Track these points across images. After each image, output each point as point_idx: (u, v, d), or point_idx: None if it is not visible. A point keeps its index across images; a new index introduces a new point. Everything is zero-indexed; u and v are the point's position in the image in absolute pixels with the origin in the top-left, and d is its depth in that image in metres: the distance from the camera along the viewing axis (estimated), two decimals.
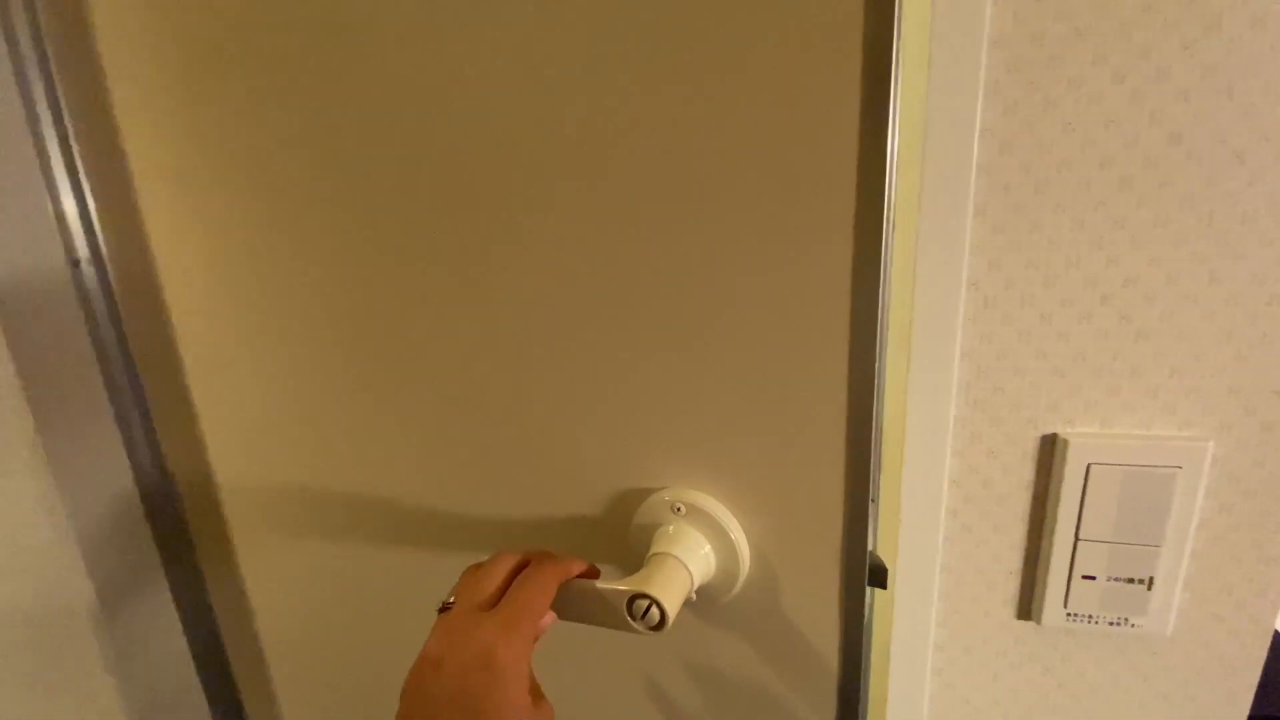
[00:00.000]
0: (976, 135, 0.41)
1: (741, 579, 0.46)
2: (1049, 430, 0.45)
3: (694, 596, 0.44)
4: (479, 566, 0.38)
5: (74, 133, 0.57)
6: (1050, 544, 0.46)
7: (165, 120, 0.52)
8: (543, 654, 0.37)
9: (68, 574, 0.63)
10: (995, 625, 0.49)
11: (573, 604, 0.40)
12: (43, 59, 0.54)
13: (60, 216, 0.59)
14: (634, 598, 0.38)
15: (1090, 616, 0.46)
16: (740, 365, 0.43)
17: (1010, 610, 0.49)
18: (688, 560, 0.42)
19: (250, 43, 0.45)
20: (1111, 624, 0.45)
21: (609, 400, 0.46)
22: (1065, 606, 0.46)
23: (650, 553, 0.43)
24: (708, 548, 0.44)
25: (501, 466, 0.50)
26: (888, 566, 0.53)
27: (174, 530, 0.66)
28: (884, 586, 0.45)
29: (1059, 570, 0.46)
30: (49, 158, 0.57)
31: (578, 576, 0.40)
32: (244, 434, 0.59)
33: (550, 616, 0.38)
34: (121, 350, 0.62)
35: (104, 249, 0.60)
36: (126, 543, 0.64)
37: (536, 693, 0.35)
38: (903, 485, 0.49)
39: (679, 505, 0.45)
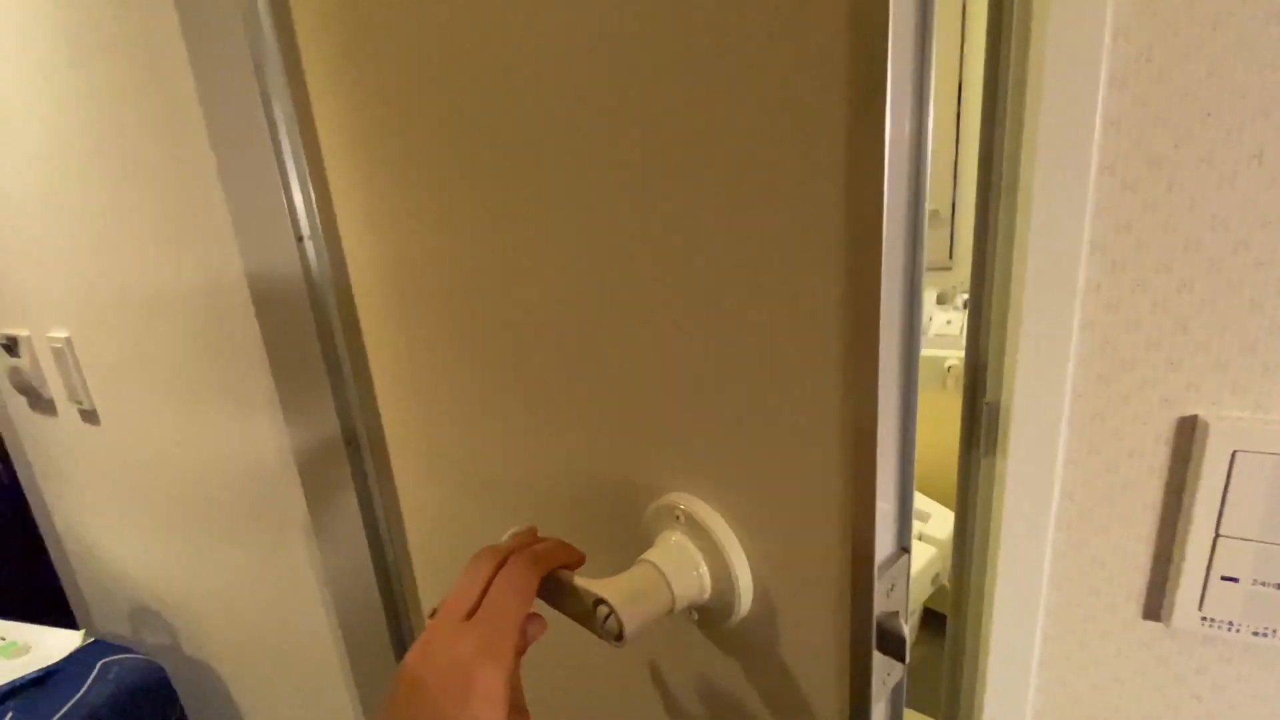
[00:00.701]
0: (1103, 85, 0.38)
1: (740, 611, 0.39)
2: (1188, 411, 0.41)
3: (695, 615, 0.40)
4: (464, 570, 0.35)
5: (302, 147, 0.73)
6: (1185, 539, 0.41)
7: (348, 140, 0.64)
8: (534, 658, 0.36)
9: (288, 486, 0.80)
10: (1116, 622, 0.45)
11: (552, 593, 0.37)
12: (283, 100, 0.70)
13: (291, 204, 0.75)
14: (597, 602, 0.34)
15: (1230, 624, 0.40)
16: (738, 376, 0.38)
17: (1135, 608, 0.45)
18: (673, 576, 0.37)
19: (402, 89, 0.54)
20: (1256, 634, 0.40)
21: (630, 394, 0.44)
22: (1200, 610, 0.41)
23: (640, 557, 0.38)
24: (703, 568, 0.39)
25: (557, 446, 0.52)
26: (988, 549, 0.51)
27: (359, 460, 0.81)
28: (901, 659, 0.37)
29: (1194, 569, 0.41)
30: (285, 163, 0.74)
31: (563, 566, 0.37)
32: (397, 394, 0.72)
33: (541, 626, 0.35)
34: (332, 313, 0.77)
35: (320, 228, 0.76)
36: (328, 467, 0.80)
37: (518, 711, 0.33)
38: (1009, 461, 0.46)
39: (679, 513, 0.40)
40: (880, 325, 0.29)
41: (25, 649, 0.96)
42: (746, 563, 0.39)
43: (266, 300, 0.77)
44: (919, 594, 1.17)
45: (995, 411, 0.50)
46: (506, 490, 0.61)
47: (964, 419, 0.54)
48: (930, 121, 0.27)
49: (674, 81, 0.35)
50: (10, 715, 0.85)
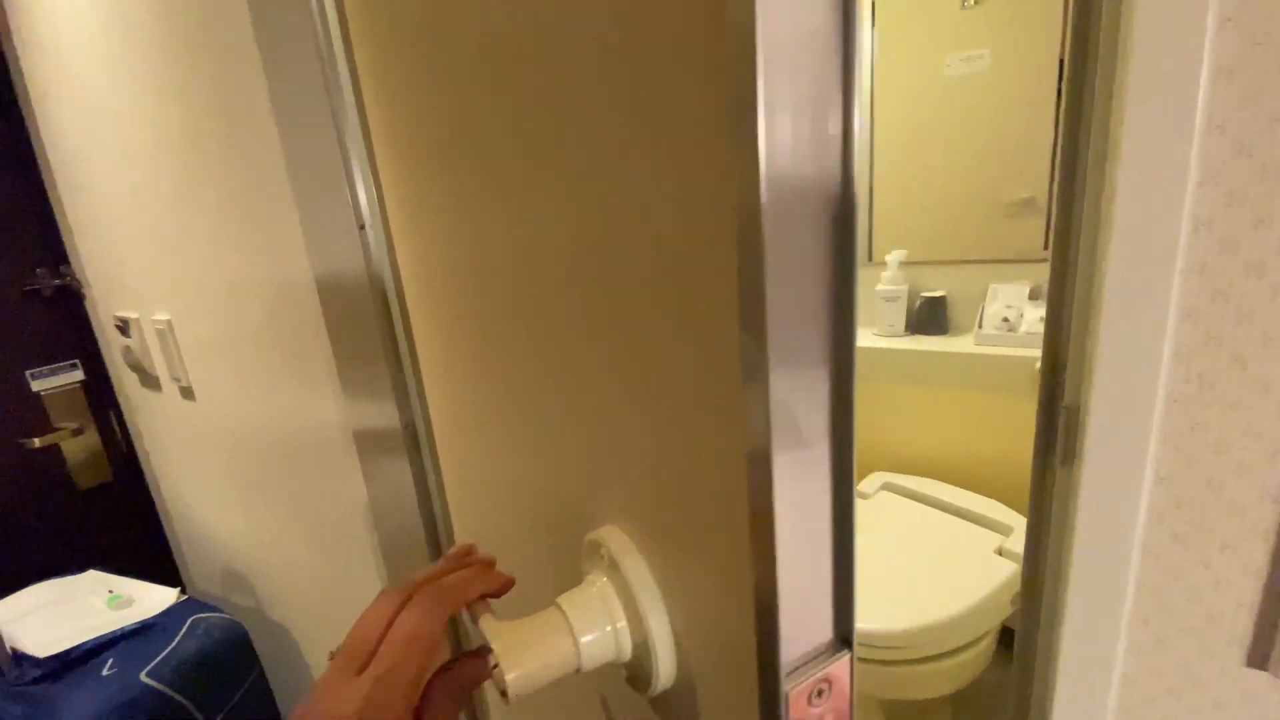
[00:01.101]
0: (1211, 19, 0.32)
1: (658, 684, 0.32)
2: None
3: (624, 672, 0.34)
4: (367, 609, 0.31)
5: (363, 146, 0.76)
6: None
7: (392, 143, 0.66)
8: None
9: (349, 464, 0.84)
10: (1214, 669, 0.38)
11: (473, 623, 0.32)
12: (348, 108, 0.73)
13: (354, 197, 0.78)
14: (488, 647, 0.30)
15: None
16: (640, 381, 0.31)
17: (1238, 653, 0.37)
18: (583, 630, 0.31)
19: (424, 88, 0.54)
20: None
21: (570, 400, 0.39)
22: None
23: (557, 599, 0.32)
24: (622, 624, 0.32)
25: (532, 451, 0.47)
26: (1062, 573, 0.44)
27: (414, 443, 0.84)
28: None
29: None
30: (349, 159, 0.77)
31: (485, 595, 0.32)
32: (438, 380, 0.73)
33: (486, 671, 0.31)
34: (391, 299, 0.80)
35: (380, 218, 0.78)
36: (386, 448, 0.83)
37: None
38: (1085, 474, 0.40)
39: (604, 552, 0.33)
40: (769, 345, 0.21)
41: (129, 602, 1.05)
42: (668, 627, 0.31)
43: (330, 287, 0.81)
44: (999, 613, 1.07)
45: (1075, 416, 0.44)
46: (509, 490, 0.61)
47: (1039, 423, 0.48)
48: (856, 116, 0.20)
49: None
50: (111, 661, 0.93)
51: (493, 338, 0.51)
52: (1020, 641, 0.50)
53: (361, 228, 0.83)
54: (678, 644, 0.31)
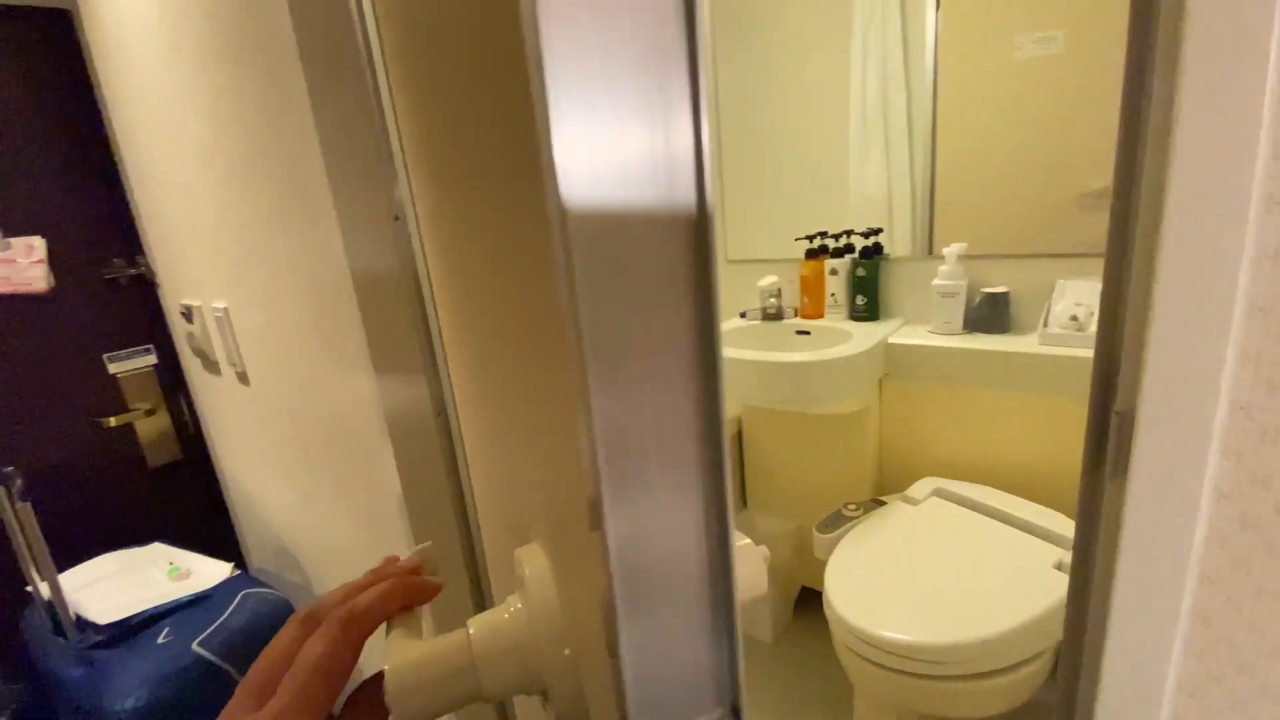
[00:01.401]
0: None
1: None
2: None
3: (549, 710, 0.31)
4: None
5: (396, 139, 0.77)
6: None
7: (414, 147, 0.66)
8: None
9: (384, 442, 0.86)
10: (1276, 711, 0.34)
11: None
12: (385, 106, 0.74)
13: (390, 188, 0.79)
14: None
15: None
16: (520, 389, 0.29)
17: None
18: (485, 658, 0.27)
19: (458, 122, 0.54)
20: None
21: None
22: None
23: (470, 619, 0.29)
24: (534, 653, 0.29)
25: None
26: (1110, 597, 0.40)
27: (446, 433, 0.85)
28: None
29: None
30: (393, 163, 0.78)
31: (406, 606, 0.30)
32: (457, 376, 0.74)
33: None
34: (423, 289, 0.81)
35: (412, 210, 0.79)
36: (418, 438, 0.84)
37: None
38: (1135, 488, 0.36)
39: (521, 573, 0.31)
40: (589, 373, 0.18)
41: (186, 574, 1.11)
42: (571, 664, 0.28)
43: (366, 278, 0.83)
44: (1056, 632, 1.00)
45: (1128, 423, 0.40)
46: (500, 487, 0.61)
47: (1089, 430, 0.44)
48: (706, 123, 0.16)
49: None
50: (166, 630, 0.99)
51: (463, 335, 0.51)
52: (1063, 670, 0.46)
53: (397, 219, 0.85)
54: (581, 687, 0.27)
